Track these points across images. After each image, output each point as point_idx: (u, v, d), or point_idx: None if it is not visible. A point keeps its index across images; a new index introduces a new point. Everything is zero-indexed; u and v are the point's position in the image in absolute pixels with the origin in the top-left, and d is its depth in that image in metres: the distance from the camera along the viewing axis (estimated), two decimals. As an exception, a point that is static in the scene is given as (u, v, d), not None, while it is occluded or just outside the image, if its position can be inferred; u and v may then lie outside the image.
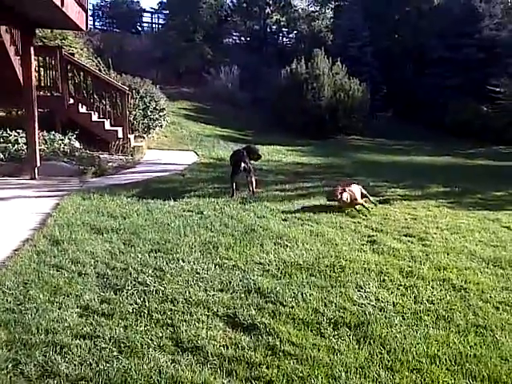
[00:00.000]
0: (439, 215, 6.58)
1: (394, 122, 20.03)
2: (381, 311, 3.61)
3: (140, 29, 26.15)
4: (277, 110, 17.30)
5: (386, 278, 4.22)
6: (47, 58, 10.28)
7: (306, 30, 26.29)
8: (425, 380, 2.81)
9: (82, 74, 10.65)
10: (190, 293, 3.70)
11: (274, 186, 7.98)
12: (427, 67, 20.17)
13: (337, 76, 17.38)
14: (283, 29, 27.31)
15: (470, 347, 3.16)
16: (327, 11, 27.94)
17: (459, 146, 16.37)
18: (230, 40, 26.73)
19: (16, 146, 8.32)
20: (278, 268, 4.32)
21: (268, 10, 25.76)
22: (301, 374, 2.80)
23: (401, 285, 4.10)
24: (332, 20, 26.64)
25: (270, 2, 25.92)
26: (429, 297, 3.88)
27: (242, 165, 7.05)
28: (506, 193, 8.70)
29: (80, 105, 10.59)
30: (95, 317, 3.26)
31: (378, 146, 16.27)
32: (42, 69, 10.29)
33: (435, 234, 5.62)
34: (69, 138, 9.38)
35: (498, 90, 17.29)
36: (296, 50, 21.93)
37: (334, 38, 23.72)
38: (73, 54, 11.43)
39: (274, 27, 26.94)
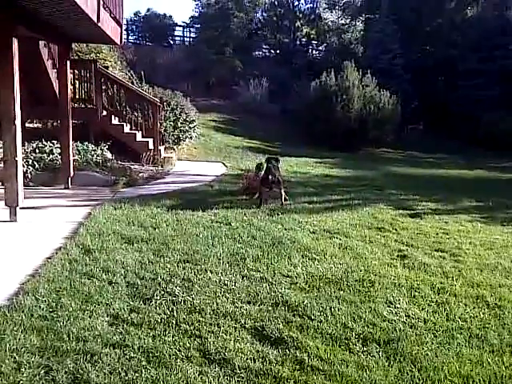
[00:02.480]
0: (472, 230, 6.42)
1: (426, 135, 19.74)
2: (411, 328, 3.53)
3: (172, 42, 26.71)
4: (305, 122, 17.29)
5: (416, 293, 4.13)
6: (82, 71, 10.61)
7: (336, 42, 26.33)
8: (458, 401, 2.73)
9: (115, 86, 10.91)
10: (217, 304, 3.71)
11: (302, 198, 7.95)
12: (460, 79, 19.84)
13: (367, 88, 17.29)
14: (313, 41, 27.43)
15: (506, 368, 3.06)
16: (357, 24, 27.93)
17: (493, 160, 15.98)
18: (260, 53, 27.01)
19: (51, 156, 8.56)
20: (306, 281, 4.28)
21: (298, 24, 25.95)
22: (329, 390, 2.76)
23: (432, 301, 4.00)
24: (362, 32, 26.60)
25: (300, 16, 26.11)
26: (461, 314, 3.78)
27: (270, 177, 7.07)
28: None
29: (113, 116, 10.85)
30: (124, 326, 3.30)
31: (408, 159, 16.06)
32: (77, 81, 10.61)
33: (468, 249, 5.48)
34: (101, 149, 9.60)
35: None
36: (325, 62, 21.93)
37: (364, 50, 23.66)
38: (107, 67, 11.74)
39: (304, 40, 27.08)
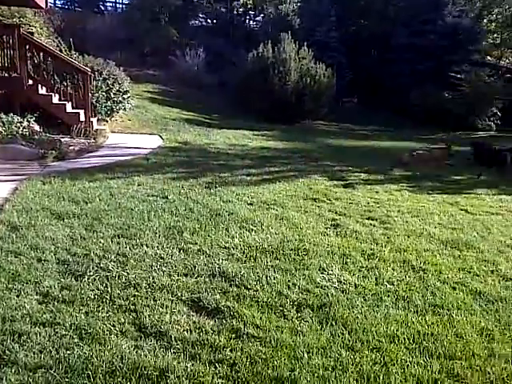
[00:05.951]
0: (401, 199, 6.74)
1: (359, 108, 20.26)
2: (343, 293, 3.68)
3: (103, 8, 25.35)
4: (243, 94, 17.16)
5: (348, 260, 4.31)
6: (4, 37, 9.84)
7: (273, 13, 26.11)
8: (384, 359, 2.90)
9: (41, 54, 10.24)
10: (153, 278, 3.68)
11: (240, 171, 7.97)
12: (392, 54, 20.39)
13: (303, 60, 17.35)
14: (250, 12, 27.04)
15: (428, 326, 3.28)
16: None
17: (421, 132, 16.71)
18: (197, 22, 26.26)
19: (-29, 128, 7.97)
20: (243, 252, 4.34)
21: (235, -8, 25.42)
22: (264, 356, 2.84)
23: (363, 267, 4.19)
24: (299, 4, 26.53)
25: (237, -16, 25.59)
26: (389, 278, 3.99)
27: None
28: (465, 177, 8.98)
29: (40, 86, 10.21)
30: (55, 304, 3.20)
31: (343, 131, 16.44)
32: (-2, 48, 9.85)
33: (396, 217, 5.76)
34: (28, 121, 9.05)
35: (459, 76, 17.68)
36: (263, 33, 21.74)
37: (300, 22, 23.64)
38: (32, 33, 10.97)
39: (241, 10, 26.64)
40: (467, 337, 3.15)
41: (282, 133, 14.19)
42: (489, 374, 2.79)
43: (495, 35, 23.34)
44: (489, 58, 22.50)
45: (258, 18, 27.67)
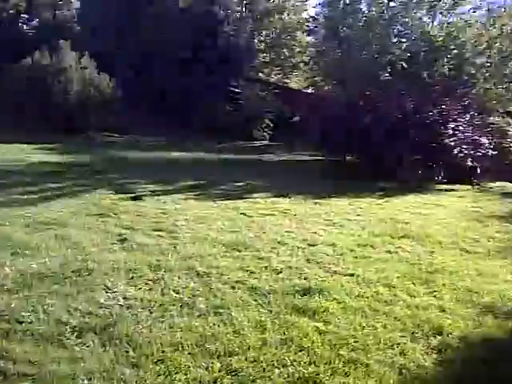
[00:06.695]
0: (187, 207, 6.96)
1: (147, 119, 20.24)
2: (128, 309, 3.62)
3: None
4: (19, 105, 15.55)
5: (134, 274, 4.26)
6: None
7: (50, 18, 24.30)
8: (168, 368, 2.93)
9: None
10: None
11: (14, 189, 7.21)
12: (176, 67, 20.94)
13: (85, 70, 16.62)
14: (23, 15, 24.61)
15: (210, 328, 3.44)
16: (73, 0, 26.33)
17: (207, 142, 17.54)
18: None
19: None
20: (15, 281, 3.91)
21: (1, -8, 22.84)
22: (35, 395, 2.60)
23: (149, 279, 4.19)
24: (80, 11, 25.23)
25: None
26: (175, 287, 4.07)
27: None
28: (245, 183, 9.74)
29: None
30: None
31: (130, 143, 16.13)
32: None
33: (183, 225, 5.93)
34: None
35: (237, 91, 19.22)
36: (39, 39, 19.99)
37: (81, 30, 22.52)
38: None
39: (12, 11, 24.05)
40: (244, 331, 3.40)
41: (66, 145, 13.31)
42: (261, 362, 3.05)
43: (265, 54, 25.99)
44: (261, 74, 25.00)
45: (33, 23, 25.37)
